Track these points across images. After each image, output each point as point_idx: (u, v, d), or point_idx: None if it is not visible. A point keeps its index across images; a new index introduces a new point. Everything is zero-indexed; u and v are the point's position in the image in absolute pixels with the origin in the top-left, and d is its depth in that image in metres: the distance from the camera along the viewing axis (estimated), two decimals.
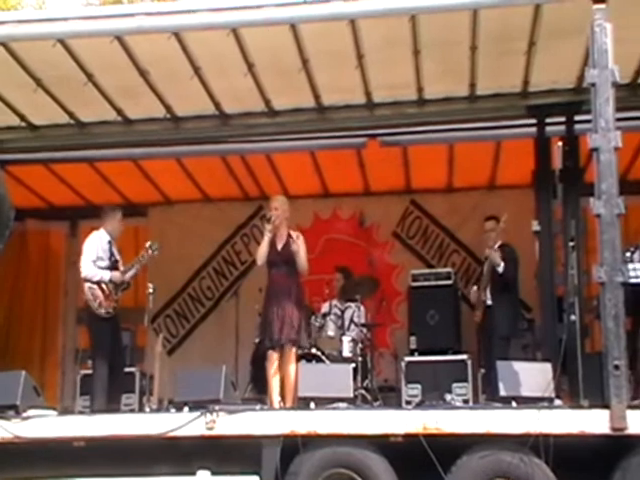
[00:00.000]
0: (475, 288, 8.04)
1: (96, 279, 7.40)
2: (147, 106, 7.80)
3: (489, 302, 7.71)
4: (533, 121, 7.65)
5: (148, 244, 7.77)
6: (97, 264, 7.44)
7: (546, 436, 5.49)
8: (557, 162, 6.49)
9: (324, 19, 6.48)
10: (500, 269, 7.59)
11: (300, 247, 7.13)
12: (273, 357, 7.02)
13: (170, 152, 8.88)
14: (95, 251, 7.47)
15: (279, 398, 6.95)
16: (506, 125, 7.98)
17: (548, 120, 7.62)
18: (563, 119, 7.55)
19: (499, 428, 5.64)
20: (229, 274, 10.48)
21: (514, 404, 5.92)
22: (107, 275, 7.43)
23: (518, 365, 6.24)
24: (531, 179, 7.71)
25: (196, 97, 7.61)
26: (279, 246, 7.23)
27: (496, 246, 7.76)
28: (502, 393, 6.06)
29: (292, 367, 6.94)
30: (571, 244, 6.37)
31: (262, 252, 7.18)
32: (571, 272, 6.29)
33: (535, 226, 7.00)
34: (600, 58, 5.85)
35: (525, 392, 5.97)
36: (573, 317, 6.23)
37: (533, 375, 6.08)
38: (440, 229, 10.11)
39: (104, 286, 7.42)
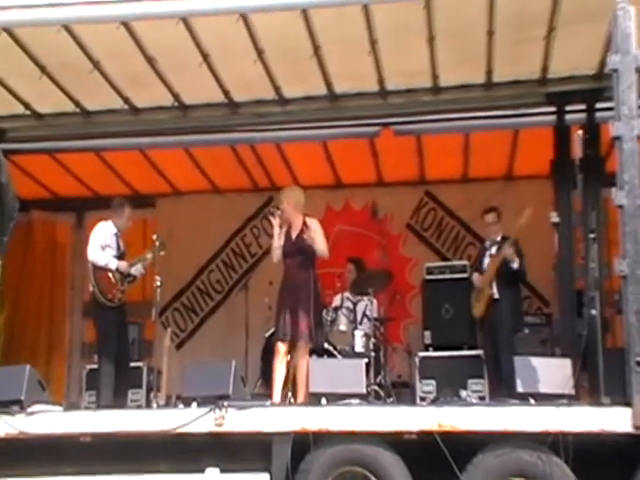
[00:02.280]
0: (476, 275, 7.93)
1: (102, 263, 7.40)
2: (154, 94, 7.79)
3: (496, 296, 7.64)
4: (552, 109, 7.59)
5: (155, 237, 7.75)
6: (106, 251, 7.45)
7: (565, 434, 5.43)
8: (577, 151, 6.40)
9: (336, 4, 6.42)
10: (515, 265, 7.52)
11: (316, 232, 7.08)
12: (280, 349, 6.99)
13: (178, 141, 8.85)
14: (103, 238, 7.50)
15: (281, 392, 6.93)
16: (524, 113, 7.92)
17: (568, 108, 7.55)
18: (584, 107, 7.48)
19: (517, 426, 5.58)
20: (238, 267, 10.51)
21: (532, 401, 5.89)
22: (114, 263, 7.43)
23: (536, 361, 6.19)
24: (550, 169, 7.66)
25: (204, 85, 7.59)
26: (294, 235, 7.20)
27: (498, 238, 7.69)
28: (520, 389, 6.01)
29: (304, 362, 6.90)
30: (592, 236, 6.29)
31: (275, 251, 7.16)
32: (592, 265, 6.21)
33: (554, 217, 6.92)
34: (623, 43, 5.74)
35: (544, 389, 5.94)
36: (594, 311, 6.13)
37: (552, 371, 6.04)
38: (455, 221, 10.11)
39: (110, 274, 7.41)
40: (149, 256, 7.65)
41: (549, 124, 7.68)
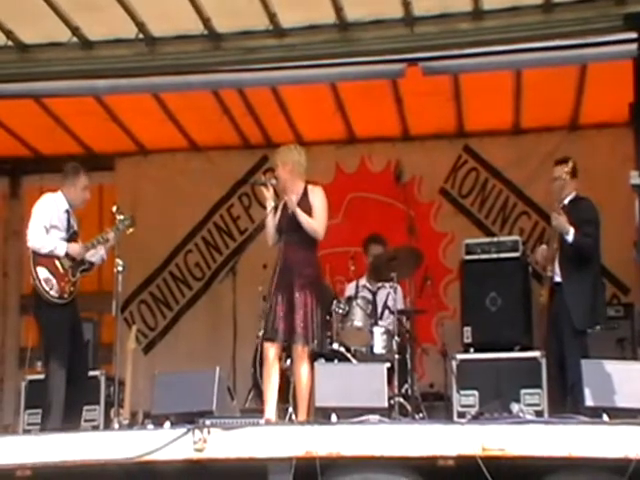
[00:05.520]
0: (544, 247, 7.87)
1: (47, 250, 7.33)
2: (112, 23, 7.79)
3: (557, 279, 7.58)
4: (633, 35, 7.47)
5: (114, 209, 7.70)
6: (51, 233, 7.40)
7: None
8: None
9: None
10: (570, 237, 7.43)
11: (316, 201, 7.08)
12: (269, 352, 6.99)
13: (144, 85, 8.81)
14: (49, 217, 7.44)
15: (277, 407, 6.93)
16: (594, 42, 7.85)
17: None
18: None
19: (585, 450, 5.60)
20: (224, 246, 10.59)
21: (605, 418, 5.89)
22: (63, 247, 7.39)
23: (611, 366, 6.19)
24: (629, 114, 7.60)
25: (178, 11, 7.59)
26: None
27: (566, 201, 7.59)
28: (589, 403, 6.04)
29: (304, 369, 6.92)
30: None
31: (269, 231, 7.19)
32: None
33: (635, 178, 6.87)
34: None
35: (621, 402, 5.95)
36: None
37: (632, 379, 6.04)
38: (504, 184, 10.16)
39: (57, 263, 7.37)
40: (111, 236, 7.57)
41: (628, 55, 7.61)
